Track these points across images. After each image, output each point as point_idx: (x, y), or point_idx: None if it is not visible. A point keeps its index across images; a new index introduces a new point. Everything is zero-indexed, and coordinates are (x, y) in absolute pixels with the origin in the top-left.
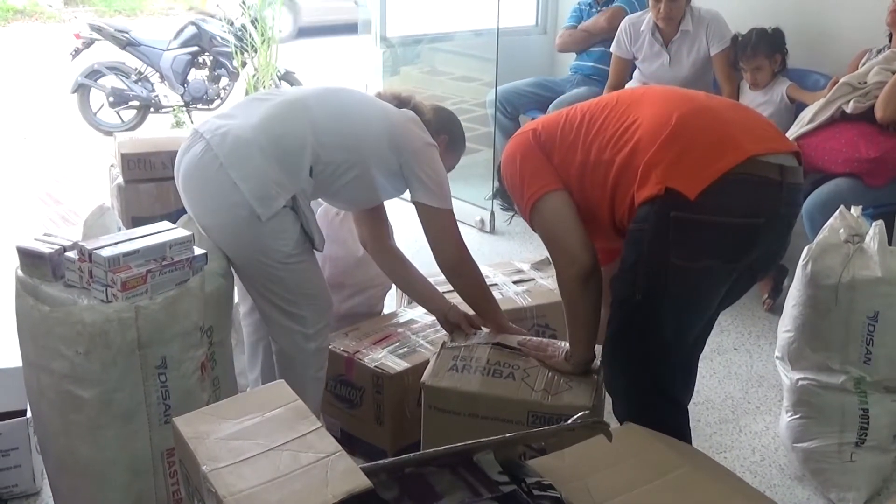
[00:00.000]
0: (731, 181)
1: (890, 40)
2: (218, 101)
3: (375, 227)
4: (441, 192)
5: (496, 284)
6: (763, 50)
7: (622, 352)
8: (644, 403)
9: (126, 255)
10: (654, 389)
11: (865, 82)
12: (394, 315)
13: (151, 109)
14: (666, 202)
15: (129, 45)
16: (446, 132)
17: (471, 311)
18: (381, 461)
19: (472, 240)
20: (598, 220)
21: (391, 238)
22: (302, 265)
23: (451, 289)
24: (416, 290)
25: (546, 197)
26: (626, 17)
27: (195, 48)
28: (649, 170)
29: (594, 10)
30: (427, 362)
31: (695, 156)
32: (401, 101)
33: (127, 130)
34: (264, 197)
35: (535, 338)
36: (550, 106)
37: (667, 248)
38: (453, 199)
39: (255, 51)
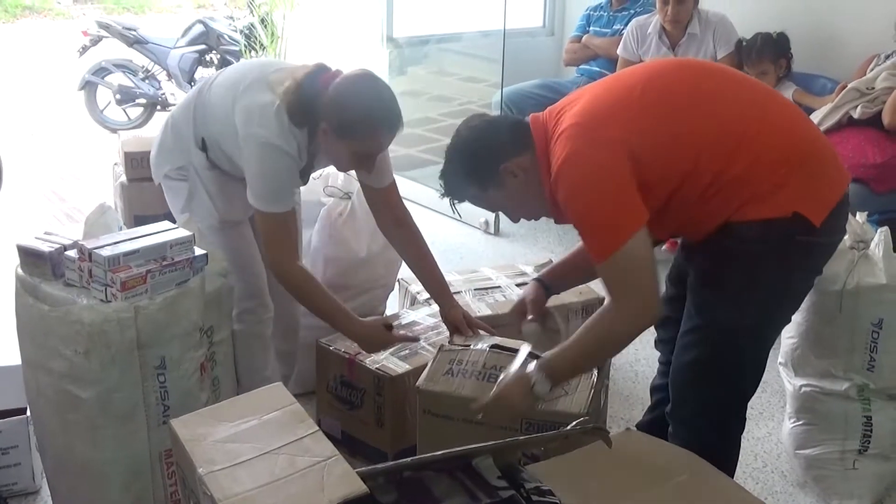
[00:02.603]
0: (841, 203)
1: None
2: None
3: (384, 207)
4: (262, 188)
5: (499, 287)
6: (768, 54)
7: (712, 378)
8: (723, 426)
9: (126, 254)
10: (737, 409)
11: (873, 88)
12: (395, 317)
13: (158, 107)
14: (791, 225)
15: (136, 42)
16: (327, 118)
17: (479, 313)
18: (379, 465)
19: (477, 241)
20: (662, 222)
21: (406, 216)
22: (209, 245)
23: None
24: (424, 276)
25: (636, 236)
26: (634, 20)
27: (202, 46)
28: (775, 190)
29: (604, 13)
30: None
31: (821, 182)
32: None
33: (133, 128)
34: (156, 164)
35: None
36: None
37: (790, 271)
38: None
39: (264, 49)
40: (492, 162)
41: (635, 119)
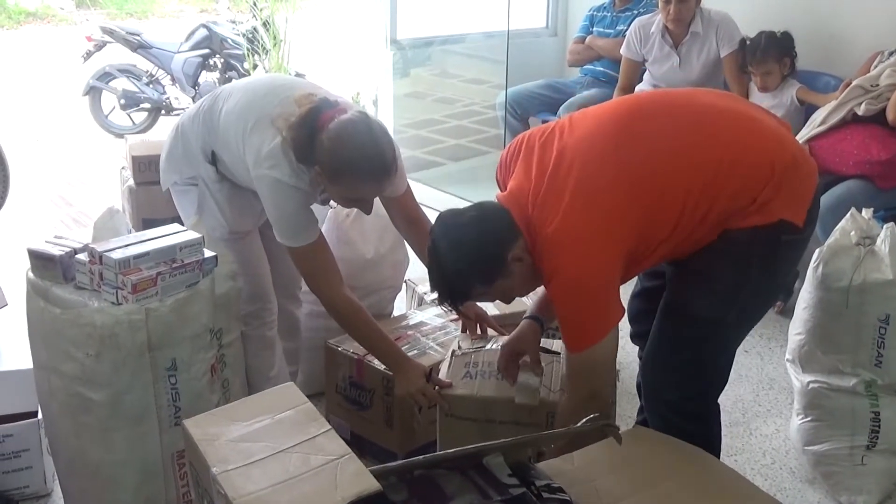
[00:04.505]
0: (815, 195)
1: None
2: None
3: (400, 211)
4: (283, 226)
5: None
6: (772, 54)
7: (687, 366)
8: (701, 415)
9: (136, 257)
10: (709, 397)
11: (878, 84)
12: (404, 317)
13: (162, 112)
14: (778, 228)
15: (140, 47)
16: (319, 162)
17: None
18: (390, 463)
19: None
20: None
21: (419, 215)
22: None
23: None
24: None
25: (609, 333)
26: (637, 20)
27: (206, 50)
28: (761, 207)
29: (607, 14)
30: (437, 364)
31: (799, 186)
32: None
33: (138, 133)
34: (165, 172)
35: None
36: (561, 108)
37: (777, 266)
38: (462, 202)
39: (267, 52)
40: (500, 252)
41: (617, 211)
